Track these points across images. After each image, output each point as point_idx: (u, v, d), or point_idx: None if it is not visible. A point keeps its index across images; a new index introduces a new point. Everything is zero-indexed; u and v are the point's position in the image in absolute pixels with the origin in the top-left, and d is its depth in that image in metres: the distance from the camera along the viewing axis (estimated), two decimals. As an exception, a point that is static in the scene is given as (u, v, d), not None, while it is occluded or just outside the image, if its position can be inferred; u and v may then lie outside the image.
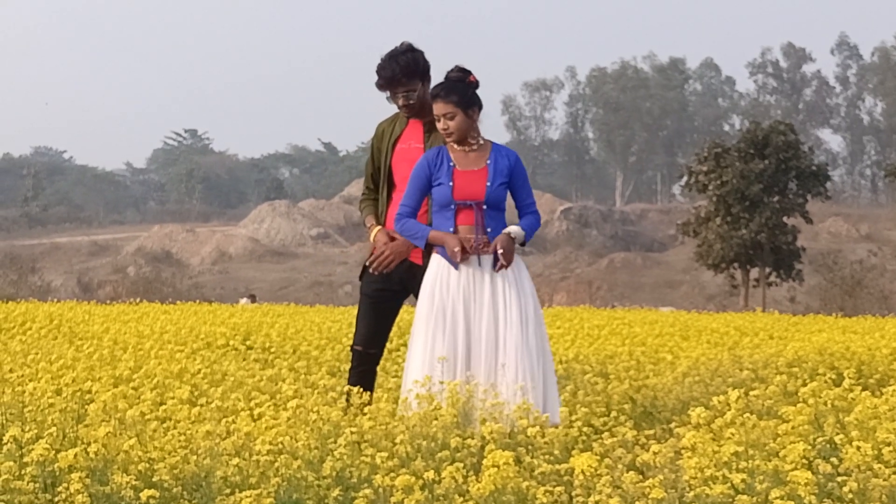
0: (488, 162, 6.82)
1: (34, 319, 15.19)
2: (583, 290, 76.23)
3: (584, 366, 10.79)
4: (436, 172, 6.86)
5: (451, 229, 6.80)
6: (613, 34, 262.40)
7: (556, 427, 6.13)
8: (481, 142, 6.90)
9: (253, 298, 43.85)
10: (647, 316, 23.97)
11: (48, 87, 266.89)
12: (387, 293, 7.34)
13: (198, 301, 33.88)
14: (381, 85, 7.25)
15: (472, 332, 6.69)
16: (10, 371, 7.61)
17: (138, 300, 28.21)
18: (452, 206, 6.81)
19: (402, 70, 7.18)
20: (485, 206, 6.77)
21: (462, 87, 6.84)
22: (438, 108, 6.82)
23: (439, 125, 6.85)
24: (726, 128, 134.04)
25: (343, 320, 16.82)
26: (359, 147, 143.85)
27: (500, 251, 6.70)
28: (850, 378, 6.76)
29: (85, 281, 79.23)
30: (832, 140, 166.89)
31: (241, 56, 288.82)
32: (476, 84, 6.90)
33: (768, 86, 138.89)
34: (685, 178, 60.92)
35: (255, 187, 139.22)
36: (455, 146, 6.88)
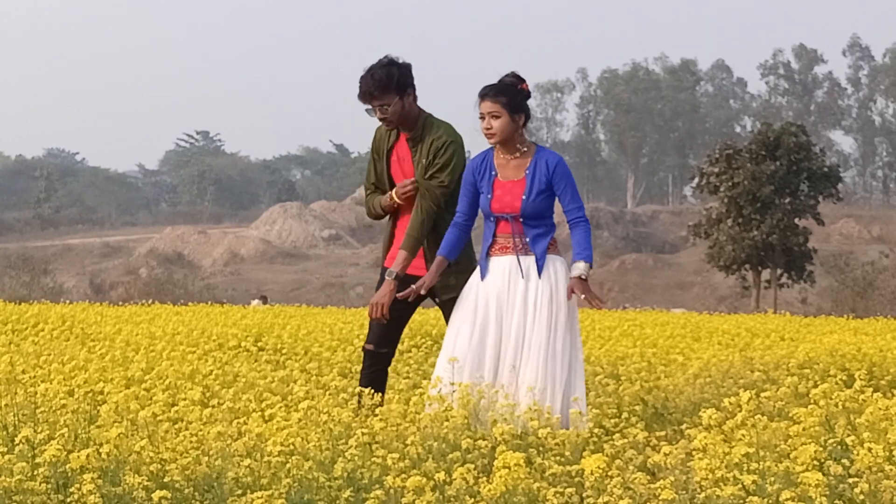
0: (527, 172, 6.78)
1: (46, 321, 15.22)
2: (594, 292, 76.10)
3: (596, 367, 10.78)
4: (479, 180, 6.88)
5: (491, 239, 6.84)
6: (625, 36, 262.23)
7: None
8: (524, 149, 6.86)
9: (265, 300, 43.88)
10: (659, 317, 23.94)
11: (60, 89, 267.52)
12: None
13: (210, 302, 33.94)
14: (359, 97, 7.32)
15: (502, 333, 6.73)
16: (23, 372, 7.63)
17: (150, 301, 28.25)
18: (492, 218, 6.85)
19: (376, 84, 7.22)
20: (522, 219, 6.79)
21: (513, 91, 6.82)
22: (485, 106, 6.81)
23: (483, 124, 6.84)
24: (738, 129, 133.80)
25: (354, 322, 16.83)
26: (370, 149, 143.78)
27: (582, 297, 6.75)
28: (861, 379, 6.75)
29: (97, 282, 79.38)
30: (844, 141, 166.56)
31: (253, 58, 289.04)
32: (527, 93, 6.87)
33: (780, 87, 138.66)
34: (696, 180, 60.91)
35: (267, 189, 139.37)
36: (500, 153, 6.86)
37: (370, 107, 7.31)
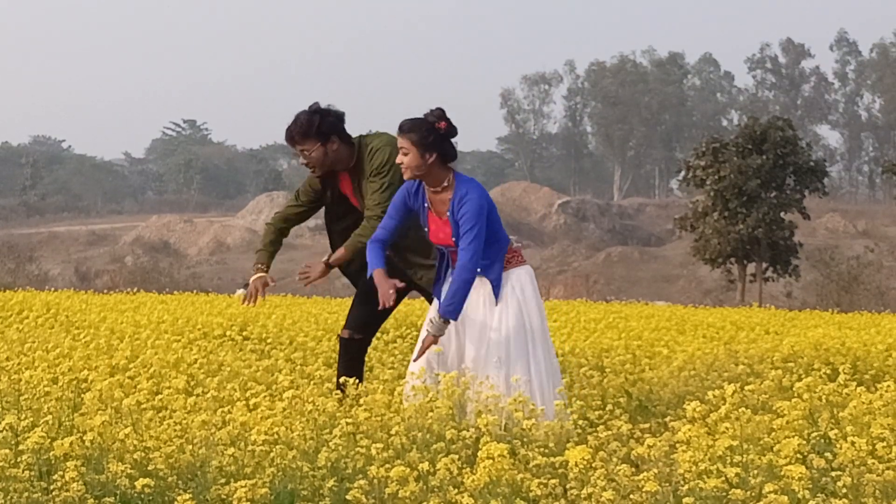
0: (449, 213, 6.77)
1: (31, 308, 15.19)
2: (580, 284, 76.22)
3: (580, 359, 10.79)
4: (414, 206, 6.88)
5: (451, 266, 6.85)
6: (612, 28, 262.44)
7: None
8: (445, 184, 6.80)
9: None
10: (644, 310, 23.97)
11: (47, 76, 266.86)
12: None
13: (195, 291, 33.91)
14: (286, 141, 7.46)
15: (461, 332, 6.78)
16: (7, 359, 7.62)
17: (135, 290, 28.22)
18: (435, 247, 6.96)
19: (297, 129, 7.39)
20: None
21: (425, 129, 6.73)
22: (399, 140, 6.80)
23: (398, 159, 6.84)
24: (724, 123, 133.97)
25: (340, 312, 16.83)
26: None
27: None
28: (845, 373, 6.77)
29: (82, 270, 79.14)
30: (830, 136, 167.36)
31: (240, 47, 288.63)
32: (444, 132, 6.76)
33: (767, 81, 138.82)
34: (683, 173, 60.86)
35: (254, 178, 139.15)
36: (426, 184, 6.85)
37: (296, 151, 7.47)
